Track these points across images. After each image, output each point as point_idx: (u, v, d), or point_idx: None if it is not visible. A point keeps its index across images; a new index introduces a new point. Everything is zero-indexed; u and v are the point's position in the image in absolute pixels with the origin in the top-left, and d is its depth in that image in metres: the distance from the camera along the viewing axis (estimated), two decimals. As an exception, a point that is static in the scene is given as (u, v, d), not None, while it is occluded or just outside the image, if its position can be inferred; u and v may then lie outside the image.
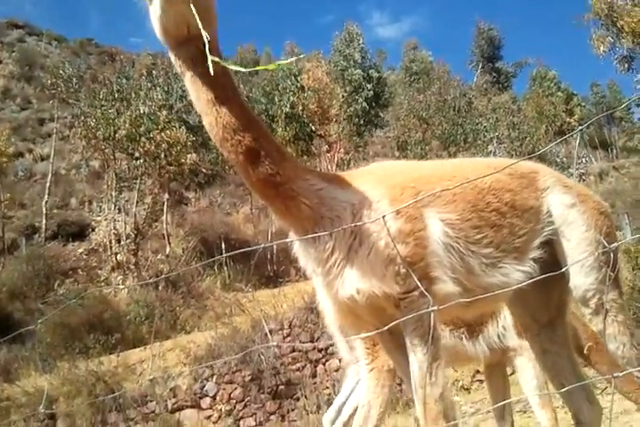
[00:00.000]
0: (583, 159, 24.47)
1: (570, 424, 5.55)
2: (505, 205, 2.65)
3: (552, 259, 2.72)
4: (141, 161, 18.56)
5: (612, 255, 2.70)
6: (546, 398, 4.16)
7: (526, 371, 4.24)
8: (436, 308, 2.14)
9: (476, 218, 2.56)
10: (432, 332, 2.26)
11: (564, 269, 2.58)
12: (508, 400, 4.70)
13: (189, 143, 18.50)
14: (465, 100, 29.21)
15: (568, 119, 33.62)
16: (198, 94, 2.29)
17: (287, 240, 2.52)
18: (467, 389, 11.01)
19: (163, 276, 14.25)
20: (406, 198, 2.39)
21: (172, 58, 2.34)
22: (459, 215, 2.52)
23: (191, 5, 2.08)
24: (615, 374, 2.67)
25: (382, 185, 2.47)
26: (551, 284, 2.81)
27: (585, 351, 4.37)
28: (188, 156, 18.90)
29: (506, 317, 4.29)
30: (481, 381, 11.11)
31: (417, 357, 2.30)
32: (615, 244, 2.67)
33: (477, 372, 11.12)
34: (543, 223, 2.75)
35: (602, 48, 20.38)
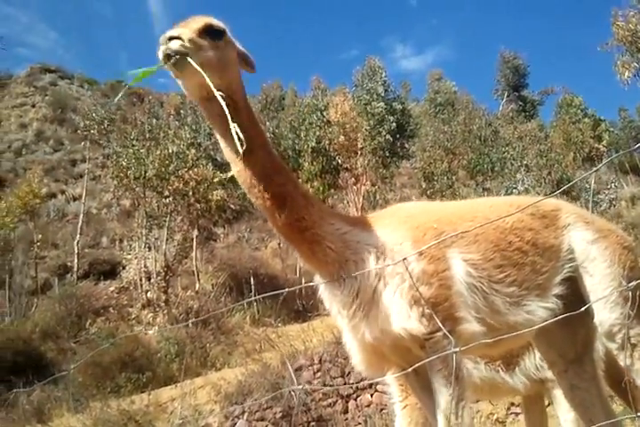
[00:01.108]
0: (613, 184, 24.14)
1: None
2: (527, 244, 2.68)
3: (575, 295, 2.73)
4: (170, 199, 18.83)
5: (637, 291, 2.66)
6: None
7: (564, 403, 4.12)
8: (457, 349, 2.16)
9: (498, 257, 2.59)
10: (457, 372, 2.27)
11: (586, 306, 2.56)
12: None
13: (216, 180, 18.74)
14: (491, 130, 29.16)
15: (596, 145, 33.28)
16: (227, 148, 2.39)
17: (313, 284, 2.59)
18: (502, 422, 10.74)
19: (197, 318, 14.27)
20: (429, 239, 2.44)
21: (203, 113, 2.49)
22: (481, 255, 2.55)
23: (205, 75, 2.23)
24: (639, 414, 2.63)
25: (404, 227, 2.52)
26: (576, 320, 2.76)
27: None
28: (215, 192, 19.11)
29: None
30: (516, 413, 10.83)
31: (442, 397, 2.30)
32: (634, 282, 2.63)
33: (512, 404, 10.86)
34: (565, 260, 2.77)
35: (627, 74, 20.33)
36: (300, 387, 11.26)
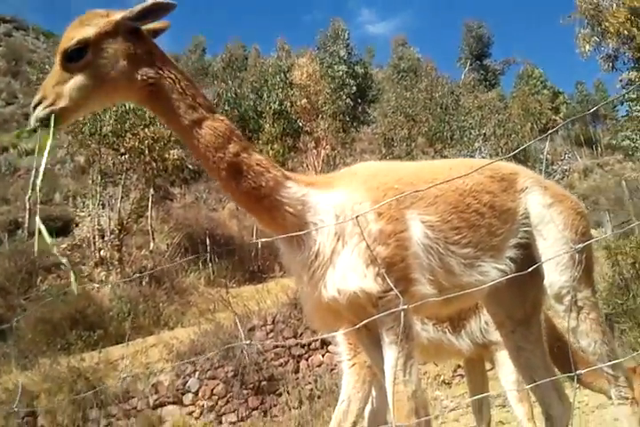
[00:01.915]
0: (567, 156, 24.61)
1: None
2: (484, 206, 2.70)
3: (528, 259, 2.76)
4: (126, 157, 18.49)
5: (585, 254, 2.76)
6: (524, 392, 4.14)
7: (506, 365, 4.21)
8: (406, 306, 2.19)
9: (456, 219, 2.61)
10: (406, 331, 2.30)
11: (535, 265, 2.61)
12: (486, 394, 4.71)
13: (173, 139, 18.44)
14: (452, 98, 29.31)
15: (554, 117, 33.82)
16: (172, 125, 2.38)
17: (271, 239, 2.53)
18: (448, 383, 11.06)
19: (151, 276, 14.19)
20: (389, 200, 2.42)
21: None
22: (439, 217, 2.56)
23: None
24: (578, 372, 2.73)
25: (364, 187, 2.50)
26: (527, 282, 2.87)
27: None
28: (172, 151, 18.82)
29: None
30: (462, 376, 11.15)
31: (391, 354, 2.33)
32: (581, 245, 2.68)
33: (459, 367, 11.18)
34: (520, 223, 2.81)
35: (587, 47, 20.49)
36: (249, 342, 11.35)
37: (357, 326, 2.27)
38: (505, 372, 4.26)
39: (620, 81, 17.00)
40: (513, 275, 2.57)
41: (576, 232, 2.82)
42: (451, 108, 28.17)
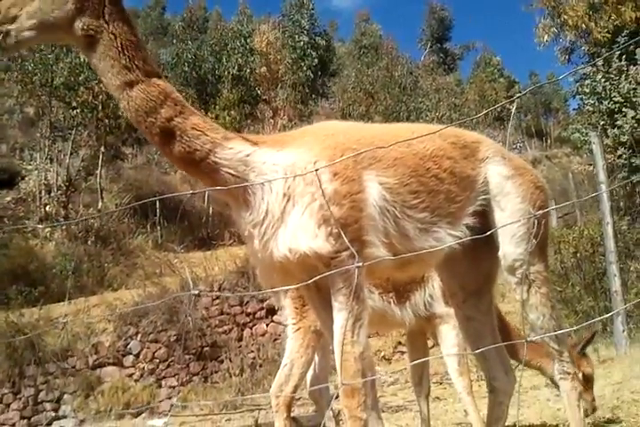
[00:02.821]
0: (519, 145, 25.14)
1: (482, 396, 5.84)
2: (444, 172, 2.66)
3: (484, 229, 2.71)
4: (78, 111, 17.95)
5: (542, 227, 2.72)
6: (464, 366, 4.24)
7: (448, 338, 4.29)
8: (361, 264, 2.18)
9: (415, 183, 2.56)
10: (357, 292, 2.29)
11: (491, 231, 2.61)
12: (426, 359, 4.73)
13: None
14: (411, 79, 29.44)
15: (508, 106, 34.35)
16: (105, 80, 2.27)
17: (205, 190, 2.50)
18: (388, 359, 11.34)
19: (98, 237, 13.91)
20: (346, 160, 2.37)
21: None
22: (398, 180, 2.52)
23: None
24: (529, 339, 2.75)
25: (321, 146, 2.43)
26: (481, 253, 2.88)
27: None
28: (127, 109, 18.31)
29: (434, 285, 4.34)
30: (402, 352, 11.46)
31: (341, 315, 2.32)
32: (540, 211, 2.71)
33: (399, 343, 11.48)
34: (479, 192, 2.78)
35: (545, 37, 20.85)
36: (198, 291, 11.35)
37: (309, 282, 2.19)
38: (447, 345, 4.31)
39: (574, 74, 17.35)
40: (468, 238, 2.61)
41: (534, 205, 2.80)
42: (409, 89, 28.29)
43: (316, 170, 2.20)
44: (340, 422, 4.44)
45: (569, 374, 2.81)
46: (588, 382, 4.44)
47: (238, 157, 2.35)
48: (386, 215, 2.45)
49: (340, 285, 2.31)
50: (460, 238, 2.65)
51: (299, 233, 2.30)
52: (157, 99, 2.23)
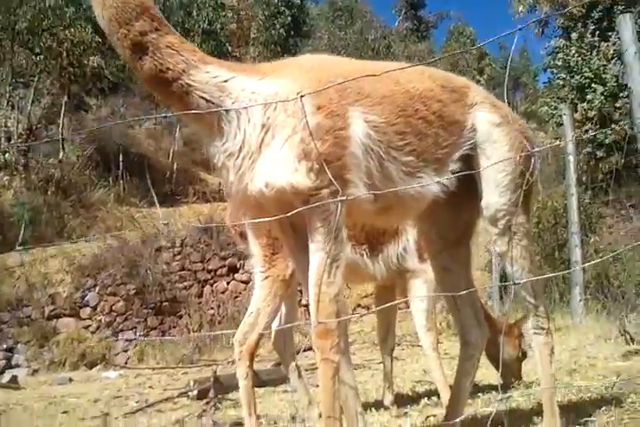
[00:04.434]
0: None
1: (447, 357, 5.96)
2: (433, 115, 2.57)
3: (470, 175, 2.68)
4: (41, 57, 17.32)
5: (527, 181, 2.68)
6: (432, 322, 4.22)
7: (419, 293, 4.26)
8: (344, 198, 2.11)
9: (402, 124, 2.47)
10: (336, 232, 2.22)
11: (488, 166, 2.60)
12: (393, 303, 4.62)
13: (95, 45, 17.39)
14: (384, 44, 29.21)
15: (478, 77, 34.43)
16: None
17: (175, 114, 2.36)
18: (347, 320, 11.46)
19: (58, 187, 13.52)
20: (332, 93, 2.27)
21: None
22: (385, 118, 2.42)
23: None
24: (517, 281, 2.68)
25: (306, 77, 2.31)
26: (463, 202, 2.82)
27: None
28: (92, 58, 17.77)
29: (409, 239, 4.29)
30: (359, 314, 11.64)
31: (317, 255, 2.23)
32: (525, 152, 2.67)
33: (359, 306, 11.64)
34: (466, 138, 2.69)
35: (520, 8, 20.87)
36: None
37: (284, 216, 2.10)
38: (416, 299, 4.27)
39: (546, 48, 17.44)
40: (460, 173, 2.55)
41: (520, 155, 2.72)
42: (382, 54, 28.11)
43: (302, 96, 2.07)
44: (303, 374, 4.44)
45: (543, 329, 2.80)
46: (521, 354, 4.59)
47: (214, 81, 2.23)
48: (370, 155, 2.35)
49: (318, 224, 2.22)
50: (446, 185, 2.58)
51: (277, 166, 2.19)
52: (134, 11, 2.11)
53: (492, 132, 2.73)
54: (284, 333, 4.36)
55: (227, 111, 2.25)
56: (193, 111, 2.23)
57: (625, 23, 5.00)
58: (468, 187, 2.73)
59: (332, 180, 2.11)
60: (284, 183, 2.17)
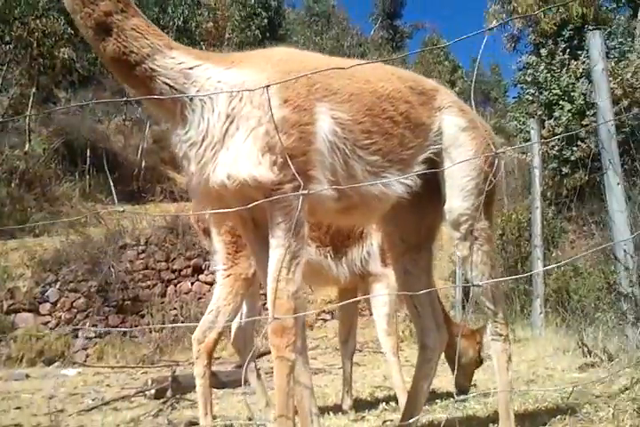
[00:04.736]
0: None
1: (408, 364, 5.99)
2: (400, 115, 2.57)
3: (434, 179, 2.71)
4: (11, 47, 17.02)
5: (488, 186, 2.69)
6: (392, 326, 4.24)
7: (381, 298, 4.27)
8: (306, 192, 2.08)
9: (369, 123, 2.46)
10: (298, 228, 2.20)
11: (449, 166, 2.61)
12: (356, 299, 4.61)
13: (66, 36, 17.14)
14: (360, 51, 29.36)
15: (450, 90, 34.80)
16: None
17: (142, 97, 2.27)
18: (310, 326, 11.48)
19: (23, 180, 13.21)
20: (299, 88, 2.26)
21: None
22: (352, 116, 2.40)
23: None
24: (476, 284, 2.68)
25: (274, 69, 2.28)
26: (427, 205, 2.84)
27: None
28: (63, 50, 17.49)
29: (373, 243, 4.31)
30: (324, 320, 11.66)
31: (277, 250, 2.20)
32: (499, 150, 2.68)
33: (323, 311, 11.65)
34: (432, 140, 2.69)
35: (494, 22, 21.22)
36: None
37: (244, 208, 2.09)
38: (378, 305, 4.28)
39: (518, 63, 17.76)
40: (426, 171, 2.56)
41: (485, 160, 2.73)
42: (356, 62, 28.26)
43: (267, 86, 2.04)
44: (262, 376, 4.43)
45: (501, 335, 2.81)
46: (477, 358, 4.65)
47: (180, 67, 2.21)
48: (335, 152, 2.34)
49: (279, 219, 2.19)
50: (410, 186, 2.58)
51: (240, 159, 2.16)
52: None
53: (459, 136, 2.74)
54: (244, 332, 4.34)
55: (191, 99, 2.22)
56: (155, 97, 2.20)
57: (594, 40, 5.11)
58: (433, 191, 2.74)
59: (296, 174, 2.07)
60: (246, 176, 2.14)
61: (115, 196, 15.13)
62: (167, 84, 2.20)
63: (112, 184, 14.46)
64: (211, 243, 4.15)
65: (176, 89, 2.21)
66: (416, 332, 3.08)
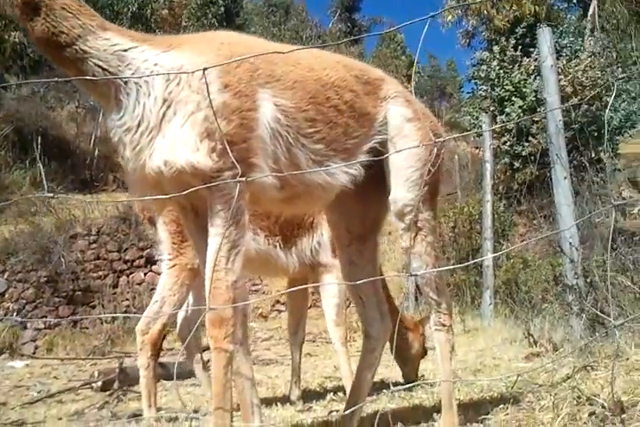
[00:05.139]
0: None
1: (359, 354, 6.04)
2: (344, 104, 2.55)
3: (379, 169, 2.72)
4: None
5: (434, 177, 2.74)
6: (341, 317, 4.24)
7: (331, 288, 4.27)
8: (243, 179, 2.02)
9: (312, 111, 2.43)
10: (237, 217, 2.16)
11: (393, 152, 2.61)
12: (303, 287, 4.56)
13: (16, 21, 16.65)
14: (318, 43, 29.26)
15: (406, 84, 35.05)
16: None
17: (72, 78, 2.19)
18: (265, 316, 11.48)
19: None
20: (241, 73, 2.22)
21: None
22: (295, 104, 2.37)
23: None
24: (414, 273, 2.71)
25: (215, 53, 2.23)
26: (372, 196, 2.84)
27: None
28: (14, 33, 16.98)
29: (323, 233, 4.31)
30: (279, 311, 11.65)
31: (216, 239, 2.15)
32: (440, 139, 2.66)
33: (277, 302, 11.65)
34: (376, 130, 2.69)
35: (449, 17, 21.50)
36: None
37: (180, 195, 2.00)
38: (327, 295, 4.30)
39: (472, 59, 17.99)
40: (369, 159, 2.55)
41: (430, 151, 2.72)
42: (315, 54, 28.18)
43: (205, 69, 1.96)
44: (209, 368, 4.41)
45: (444, 326, 2.83)
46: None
47: (113, 49, 2.14)
48: (278, 140, 2.31)
49: (218, 207, 2.15)
50: (354, 175, 2.58)
51: (177, 144, 2.10)
52: None
53: (404, 126, 2.74)
54: (190, 323, 4.31)
55: (125, 82, 2.16)
56: (86, 77, 2.11)
57: (544, 36, 5.21)
58: (378, 182, 2.75)
59: (235, 162, 2.01)
60: (183, 162, 2.10)
61: (45, 181, 14.67)
62: (100, 66, 2.13)
63: (42, 169, 13.98)
64: (156, 232, 4.10)
65: (109, 72, 2.14)
66: (360, 322, 3.09)
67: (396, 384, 4.51)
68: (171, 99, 2.16)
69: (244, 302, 2.22)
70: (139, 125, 2.16)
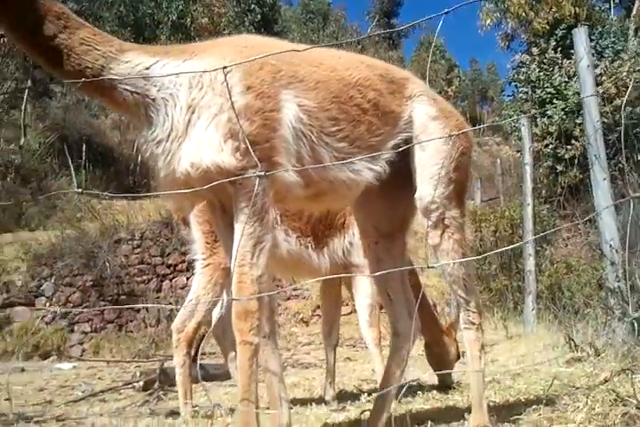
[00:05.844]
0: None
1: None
2: (368, 103, 2.58)
3: (406, 168, 2.73)
4: (4, 40, 16.99)
5: (461, 173, 2.76)
6: (375, 318, 4.22)
7: (363, 288, 4.25)
8: (262, 173, 2.08)
9: (335, 110, 2.46)
10: (262, 213, 2.20)
11: (409, 145, 2.63)
12: (319, 278, 4.57)
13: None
14: (357, 50, 29.33)
15: (446, 88, 34.80)
16: None
17: (76, 80, 2.19)
18: (306, 322, 11.50)
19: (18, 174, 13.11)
20: (264, 75, 2.26)
21: None
22: (318, 104, 2.41)
23: None
24: (430, 265, 2.66)
25: (238, 56, 2.25)
26: (399, 194, 2.85)
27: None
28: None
29: (354, 233, 4.23)
30: (320, 316, 11.67)
31: (241, 235, 2.19)
32: (455, 133, 2.66)
33: (318, 307, 11.67)
34: (401, 128, 2.71)
35: (488, 21, 21.30)
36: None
37: (203, 189, 2.08)
38: (360, 296, 4.27)
39: (512, 62, 17.81)
40: (399, 149, 2.54)
41: (457, 149, 2.75)
42: (354, 60, 28.24)
43: (224, 67, 2.02)
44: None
45: (474, 324, 2.81)
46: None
47: (136, 70, 2.19)
48: (301, 139, 2.35)
49: (243, 204, 2.19)
50: (379, 172, 2.60)
51: (202, 146, 2.16)
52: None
53: (429, 124, 2.75)
54: (224, 321, 4.33)
55: (153, 100, 2.22)
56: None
57: (579, 36, 5.13)
58: (405, 180, 2.76)
59: (257, 161, 2.08)
60: (209, 163, 2.15)
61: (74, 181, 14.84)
62: (128, 90, 2.19)
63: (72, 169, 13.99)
64: (190, 232, 4.16)
65: (137, 93, 2.20)
66: (389, 319, 3.06)
67: (432, 387, 4.49)
68: (194, 104, 2.21)
69: (269, 293, 2.25)
70: (169, 136, 2.23)
